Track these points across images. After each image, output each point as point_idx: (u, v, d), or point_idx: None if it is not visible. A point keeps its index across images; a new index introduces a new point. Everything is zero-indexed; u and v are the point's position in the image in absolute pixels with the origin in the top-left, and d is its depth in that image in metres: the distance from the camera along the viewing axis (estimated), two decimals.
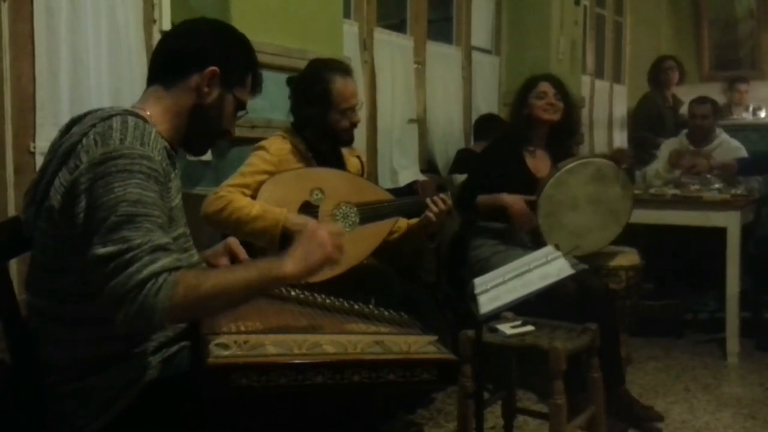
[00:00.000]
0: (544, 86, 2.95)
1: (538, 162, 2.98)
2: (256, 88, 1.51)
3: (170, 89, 1.41)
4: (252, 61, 1.49)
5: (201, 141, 1.49)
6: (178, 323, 1.33)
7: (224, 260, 1.58)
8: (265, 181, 2.22)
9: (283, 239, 2.13)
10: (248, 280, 1.23)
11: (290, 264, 1.27)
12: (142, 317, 1.14)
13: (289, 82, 2.42)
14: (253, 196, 2.20)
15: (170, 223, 1.35)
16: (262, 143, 2.32)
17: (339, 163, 2.43)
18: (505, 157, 2.96)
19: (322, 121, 2.32)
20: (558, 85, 2.98)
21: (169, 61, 1.42)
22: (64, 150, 1.28)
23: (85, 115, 1.34)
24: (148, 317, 1.14)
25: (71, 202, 1.23)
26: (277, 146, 2.31)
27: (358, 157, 2.56)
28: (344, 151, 2.49)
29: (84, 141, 1.26)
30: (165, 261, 1.17)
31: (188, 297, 1.16)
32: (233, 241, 1.61)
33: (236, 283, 1.22)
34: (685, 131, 4.24)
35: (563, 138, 3.03)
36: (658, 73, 5.18)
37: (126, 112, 1.31)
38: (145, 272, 1.14)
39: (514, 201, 2.79)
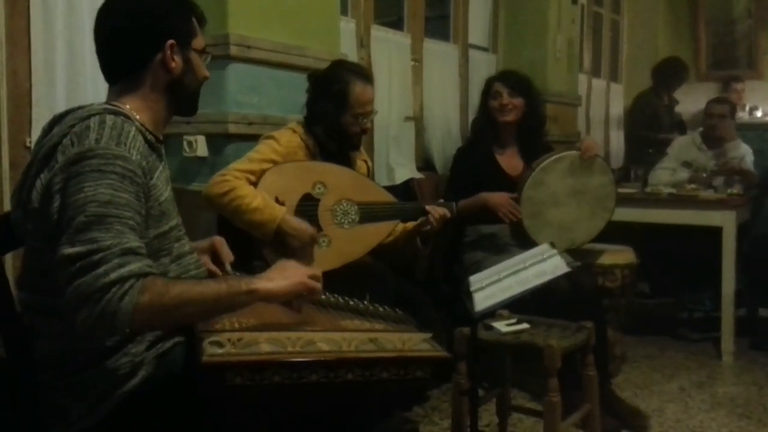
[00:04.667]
0: (497, 86, 2.99)
1: (510, 160, 3.01)
2: (202, 23, 1.49)
3: (138, 79, 1.40)
4: (188, 6, 1.46)
5: (189, 103, 1.49)
6: (142, 330, 1.30)
7: (205, 258, 1.57)
8: (269, 170, 2.23)
9: (277, 237, 2.14)
10: (217, 292, 1.21)
11: (264, 281, 1.26)
12: (103, 321, 1.12)
13: (310, 77, 2.43)
14: (256, 184, 2.20)
15: (162, 216, 1.35)
16: (273, 133, 2.33)
17: (346, 164, 2.43)
18: (477, 161, 2.99)
19: (334, 120, 2.33)
20: (512, 83, 2.99)
21: (127, 58, 1.40)
22: (44, 152, 1.28)
23: (66, 113, 1.33)
24: (110, 321, 1.13)
25: (47, 201, 1.23)
26: (287, 138, 2.31)
27: (365, 161, 2.57)
28: (352, 153, 2.49)
29: (63, 141, 1.26)
30: (134, 266, 1.15)
31: (153, 304, 1.15)
32: (218, 240, 1.60)
33: (205, 294, 1.20)
34: (699, 130, 4.23)
35: (531, 133, 3.05)
36: (670, 75, 5.17)
37: (105, 110, 1.31)
38: (113, 275, 1.13)
39: (494, 195, 2.80)
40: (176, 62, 1.41)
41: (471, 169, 2.99)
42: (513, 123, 2.98)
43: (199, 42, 1.46)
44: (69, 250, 1.15)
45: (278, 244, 2.16)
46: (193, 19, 1.46)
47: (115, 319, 1.13)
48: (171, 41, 1.39)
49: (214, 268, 1.56)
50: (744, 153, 4.06)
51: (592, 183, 2.85)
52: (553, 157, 2.82)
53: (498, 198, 2.80)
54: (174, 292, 1.17)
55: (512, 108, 2.95)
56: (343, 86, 2.31)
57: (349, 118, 2.33)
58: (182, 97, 1.45)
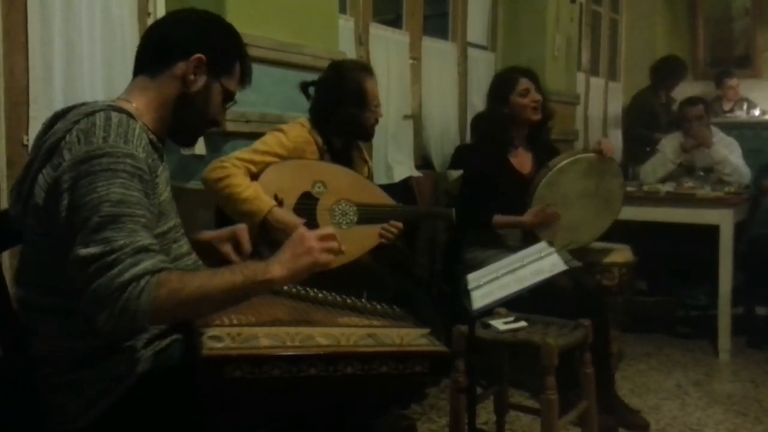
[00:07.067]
0: (525, 83, 2.89)
1: (521, 159, 2.97)
2: (245, 78, 1.49)
3: (156, 79, 1.40)
4: (240, 50, 1.47)
5: (188, 131, 1.47)
6: (162, 324, 1.31)
7: (227, 246, 1.56)
8: (271, 165, 2.23)
9: (262, 230, 2.13)
10: (233, 283, 1.21)
11: (277, 268, 1.25)
12: (124, 319, 1.14)
13: (314, 83, 2.45)
14: (257, 175, 2.20)
15: (160, 217, 1.34)
16: (282, 127, 2.34)
17: (350, 164, 2.45)
18: (490, 161, 2.92)
19: (356, 119, 2.38)
20: (535, 78, 2.94)
21: (154, 50, 1.41)
22: (47, 147, 1.27)
23: (69, 110, 1.33)
24: (131, 319, 1.14)
25: (54, 199, 1.23)
26: (296, 133, 2.32)
27: (366, 161, 2.58)
28: (355, 154, 2.51)
29: (67, 137, 1.25)
30: (148, 263, 1.16)
31: (171, 299, 1.16)
32: (241, 229, 1.58)
33: (221, 286, 1.21)
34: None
35: (541, 130, 3.02)
36: (668, 73, 5.17)
37: (109, 107, 1.30)
38: (128, 275, 1.13)
39: (533, 218, 2.74)
40: (196, 80, 1.40)
41: (484, 171, 2.91)
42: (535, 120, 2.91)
43: (230, 84, 1.46)
44: (83, 252, 1.15)
45: (272, 240, 2.16)
46: (237, 64, 1.46)
47: (135, 317, 1.14)
48: (200, 56, 1.39)
49: (235, 258, 1.54)
50: (724, 156, 3.89)
51: (605, 185, 2.83)
52: (570, 159, 2.78)
53: (537, 218, 2.74)
54: (191, 287, 1.18)
55: (540, 104, 2.89)
56: (358, 86, 2.37)
57: (368, 113, 2.40)
58: (184, 120, 1.42)
